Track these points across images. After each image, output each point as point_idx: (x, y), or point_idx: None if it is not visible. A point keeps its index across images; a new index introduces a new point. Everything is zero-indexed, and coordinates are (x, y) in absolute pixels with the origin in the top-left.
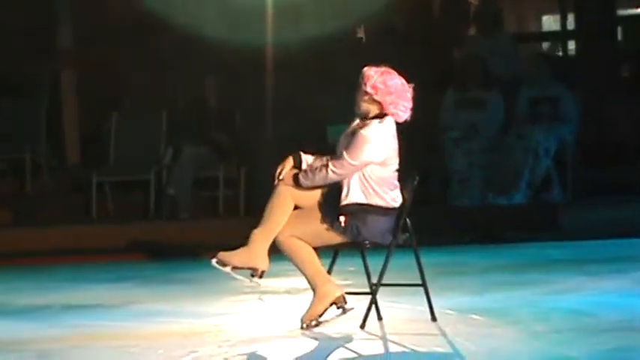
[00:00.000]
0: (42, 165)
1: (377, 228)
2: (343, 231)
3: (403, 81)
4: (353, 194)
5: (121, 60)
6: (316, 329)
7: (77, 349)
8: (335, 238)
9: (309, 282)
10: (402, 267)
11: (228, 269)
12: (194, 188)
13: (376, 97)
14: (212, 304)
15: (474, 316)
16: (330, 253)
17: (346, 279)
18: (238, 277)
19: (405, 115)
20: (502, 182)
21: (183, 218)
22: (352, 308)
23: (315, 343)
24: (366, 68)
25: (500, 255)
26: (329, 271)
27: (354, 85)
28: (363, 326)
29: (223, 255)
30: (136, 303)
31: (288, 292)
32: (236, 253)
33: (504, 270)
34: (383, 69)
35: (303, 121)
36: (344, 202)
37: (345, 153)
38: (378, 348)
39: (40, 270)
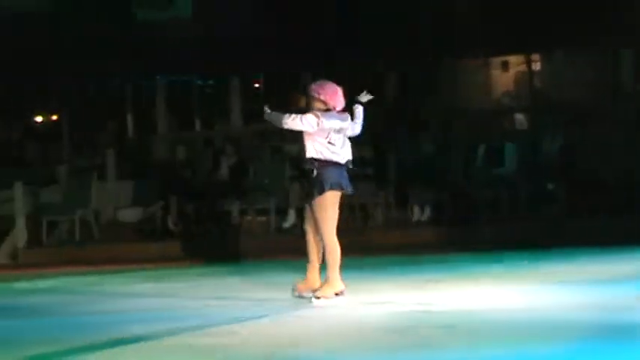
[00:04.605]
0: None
1: (334, 176)
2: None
3: (336, 87)
4: (309, 152)
5: None
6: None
7: None
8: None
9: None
10: None
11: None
12: None
13: (320, 97)
14: None
15: None
16: None
17: None
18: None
19: (340, 104)
20: None
21: None
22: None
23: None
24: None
25: None
26: None
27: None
28: None
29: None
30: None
31: None
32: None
33: None
34: (321, 81)
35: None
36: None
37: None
38: None
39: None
